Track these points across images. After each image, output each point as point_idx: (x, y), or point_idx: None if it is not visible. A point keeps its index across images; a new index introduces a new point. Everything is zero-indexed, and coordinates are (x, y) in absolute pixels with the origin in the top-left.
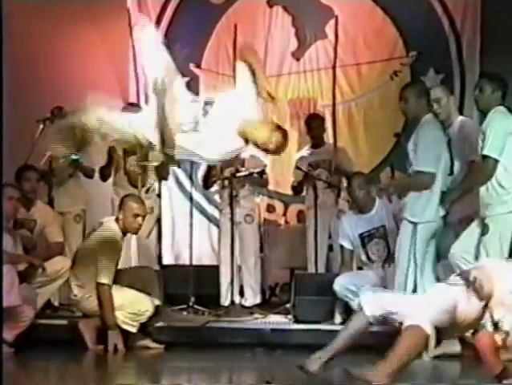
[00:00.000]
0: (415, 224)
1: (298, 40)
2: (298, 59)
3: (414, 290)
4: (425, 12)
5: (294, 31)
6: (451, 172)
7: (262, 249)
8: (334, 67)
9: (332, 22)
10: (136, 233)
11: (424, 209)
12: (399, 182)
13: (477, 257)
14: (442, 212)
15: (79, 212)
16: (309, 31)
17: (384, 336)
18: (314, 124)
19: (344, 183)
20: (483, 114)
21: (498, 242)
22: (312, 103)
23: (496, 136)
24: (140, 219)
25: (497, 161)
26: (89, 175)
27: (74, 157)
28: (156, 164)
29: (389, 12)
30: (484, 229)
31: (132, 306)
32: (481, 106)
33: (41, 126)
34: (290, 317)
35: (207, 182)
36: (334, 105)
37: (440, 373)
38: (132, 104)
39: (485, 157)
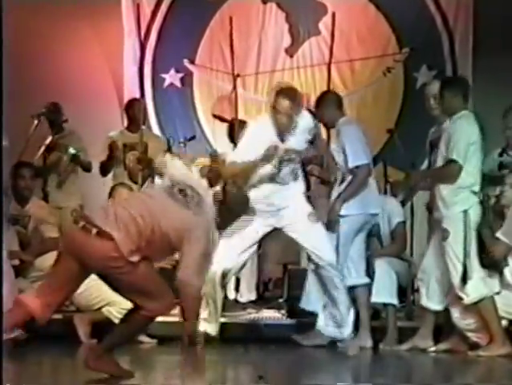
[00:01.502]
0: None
1: (291, 36)
2: (291, 56)
3: None
4: (418, 9)
5: (288, 28)
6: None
7: (259, 246)
8: (329, 64)
9: (325, 18)
10: None
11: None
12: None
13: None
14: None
15: (76, 207)
16: (302, 28)
17: None
18: None
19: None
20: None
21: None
22: (305, 99)
23: (463, 143)
24: None
25: (461, 167)
26: (87, 168)
27: (72, 152)
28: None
29: (382, 9)
30: (444, 235)
31: (124, 301)
32: (445, 111)
33: (35, 121)
34: (283, 311)
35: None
36: None
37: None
38: (135, 100)
39: (451, 161)
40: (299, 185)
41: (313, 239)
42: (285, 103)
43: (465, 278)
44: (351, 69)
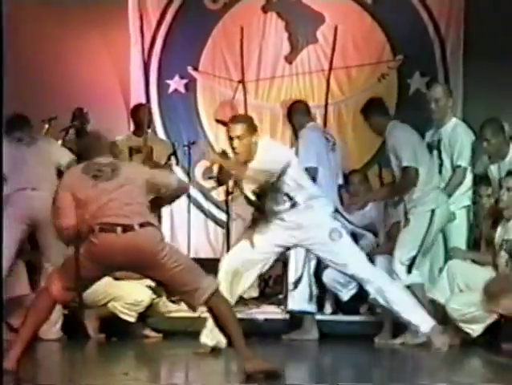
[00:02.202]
0: None
1: (290, 44)
2: (290, 63)
3: None
4: (411, 18)
5: (287, 36)
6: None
7: None
8: (329, 70)
9: (323, 27)
10: None
11: None
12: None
13: None
14: None
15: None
16: (301, 36)
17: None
18: None
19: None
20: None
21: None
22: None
23: (410, 147)
24: None
25: (417, 170)
26: None
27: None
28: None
29: (377, 18)
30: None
31: (128, 297)
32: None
33: (46, 126)
34: (282, 307)
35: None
36: (326, 106)
37: None
38: (140, 105)
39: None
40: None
41: (342, 258)
42: None
43: (410, 268)
44: (348, 75)
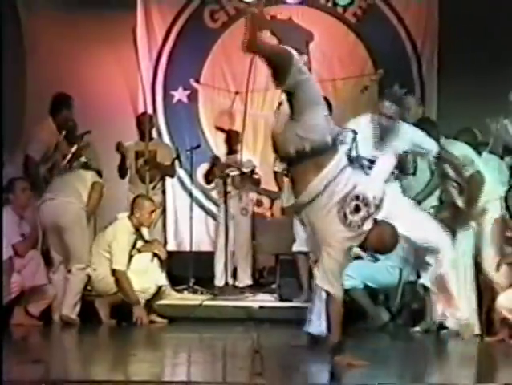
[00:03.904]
0: None
1: None
2: None
3: None
4: (391, 36)
5: None
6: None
7: (254, 237)
8: None
9: (312, 44)
10: (149, 226)
11: None
12: None
13: None
14: None
15: None
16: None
17: None
18: None
19: None
20: None
21: None
22: None
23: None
24: (153, 214)
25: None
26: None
27: (84, 160)
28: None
29: (361, 36)
30: None
31: (136, 285)
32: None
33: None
34: (275, 296)
35: (208, 179)
36: None
37: None
38: (143, 114)
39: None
40: None
41: None
42: None
43: None
44: (334, 87)
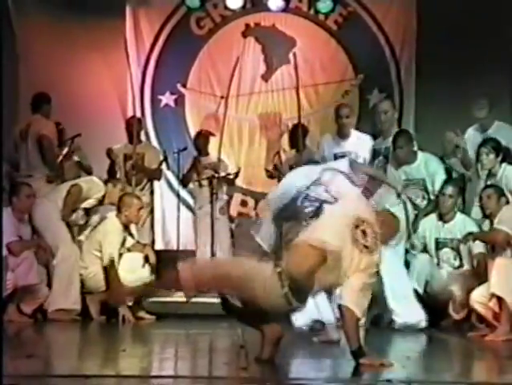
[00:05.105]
0: None
1: (266, 65)
2: (266, 80)
3: None
4: (371, 42)
5: (264, 57)
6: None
7: (232, 235)
8: (297, 88)
9: (294, 50)
10: (138, 223)
11: None
12: None
13: None
14: None
15: None
16: (275, 58)
17: None
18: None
19: None
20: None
21: None
22: (278, 116)
23: None
24: (141, 211)
25: None
26: (89, 172)
27: (77, 159)
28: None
29: (341, 42)
30: None
31: (125, 283)
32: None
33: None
34: None
35: (185, 181)
36: (299, 118)
37: None
38: (131, 118)
39: None
40: None
41: None
42: None
43: None
44: (316, 92)
